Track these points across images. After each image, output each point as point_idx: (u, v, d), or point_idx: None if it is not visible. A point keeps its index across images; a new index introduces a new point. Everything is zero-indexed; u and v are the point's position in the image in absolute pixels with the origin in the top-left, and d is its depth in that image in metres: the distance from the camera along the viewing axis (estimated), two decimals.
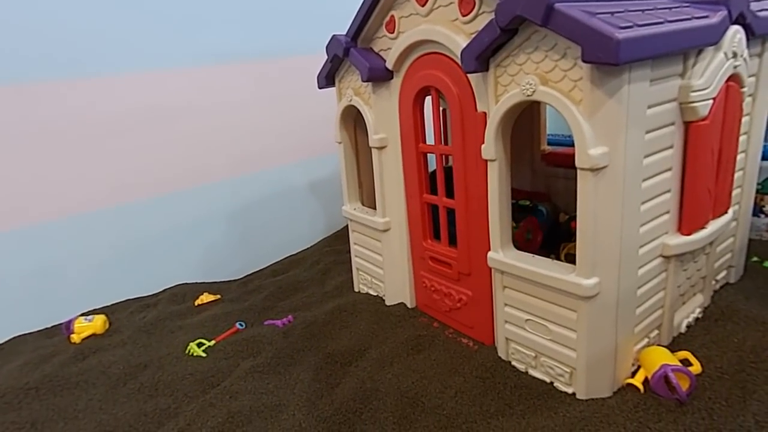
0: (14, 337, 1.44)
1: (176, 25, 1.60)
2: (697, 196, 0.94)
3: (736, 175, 1.09)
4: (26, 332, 1.46)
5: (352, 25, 1.22)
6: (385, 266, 1.33)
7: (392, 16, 1.15)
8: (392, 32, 1.16)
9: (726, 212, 1.04)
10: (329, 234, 2.05)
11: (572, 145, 0.81)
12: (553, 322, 0.94)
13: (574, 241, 0.88)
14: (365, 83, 1.23)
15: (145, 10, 1.54)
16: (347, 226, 1.48)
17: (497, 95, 0.92)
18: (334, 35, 1.27)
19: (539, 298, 0.95)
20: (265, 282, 1.65)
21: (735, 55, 0.92)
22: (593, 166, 0.79)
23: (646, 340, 0.97)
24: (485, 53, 0.90)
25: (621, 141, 0.79)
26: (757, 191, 1.30)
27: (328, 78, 1.37)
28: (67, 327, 1.37)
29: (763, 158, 1.27)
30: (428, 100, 1.14)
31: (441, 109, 1.28)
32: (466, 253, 1.11)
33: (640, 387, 0.89)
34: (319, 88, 1.41)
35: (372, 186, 1.32)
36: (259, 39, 1.78)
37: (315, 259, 1.78)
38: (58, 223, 1.48)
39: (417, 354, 1.11)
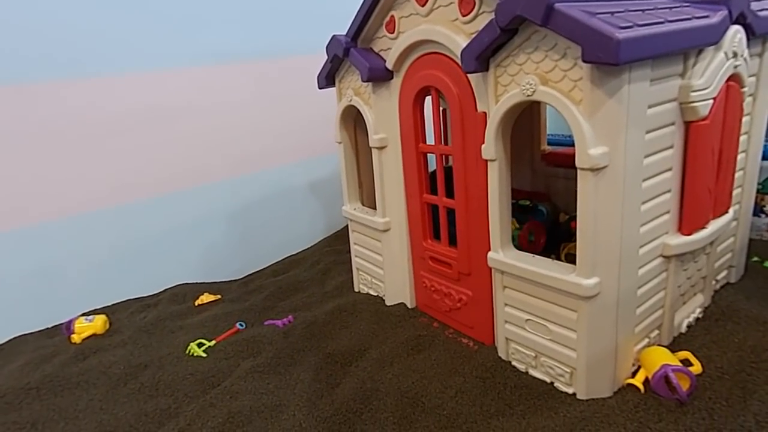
0: (15, 338, 1.44)
1: (176, 25, 1.60)
2: (698, 195, 0.94)
3: (737, 174, 1.09)
4: (27, 332, 1.46)
5: (352, 25, 1.22)
6: (385, 266, 1.33)
7: (392, 16, 1.15)
8: (392, 32, 1.16)
9: (726, 212, 1.04)
10: (329, 234, 2.05)
11: (572, 145, 0.81)
12: (554, 322, 0.94)
13: (575, 241, 0.88)
14: (365, 83, 1.23)
15: (145, 10, 1.54)
16: (347, 226, 1.48)
17: (497, 95, 0.92)
18: (334, 35, 1.27)
19: (539, 298, 0.95)
20: (266, 282, 1.65)
21: (735, 54, 0.92)
22: (593, 166, 0.79)
23: (647, 340, 0.97)
24: (485, 53, 0.90)
25: (621, 141, 0.79)
26: (758, 191, 1.30)
27: (328, 78, 1.37)
28: (68, 327, 1.37)
29: (764, 158, 1.27)
30: (428, 100, 1.14)
31: (441, 109, 1.27)
32: (466, 253, 1.11)
33: (641, 387, 0.89)
34: (319, 88, 1.41)
35: (372, 186, 1.32)
36: (259, 39, 1.78)
37: (315, 259, 1.78)
38: (58, 223, 1.48)
39: (417, 354, 1.11)
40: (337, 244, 1.89)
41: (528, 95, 0.85)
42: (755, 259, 1.31)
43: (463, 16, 0.97)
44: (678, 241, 0.94)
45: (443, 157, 1.14)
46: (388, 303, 1.34)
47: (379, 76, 1.18)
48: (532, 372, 1.00)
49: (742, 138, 1.08)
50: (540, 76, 0.83)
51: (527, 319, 0.98)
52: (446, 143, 1.17)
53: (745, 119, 1.07)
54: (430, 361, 1.08)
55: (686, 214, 0.94)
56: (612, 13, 0.77)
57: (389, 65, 1.17)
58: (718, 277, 1.17)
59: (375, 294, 1.40)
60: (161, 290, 1.65)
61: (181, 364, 1.17)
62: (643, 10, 0.82)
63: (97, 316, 1.40)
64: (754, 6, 0.96)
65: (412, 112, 1.15)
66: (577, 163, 0.81)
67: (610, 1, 0.83)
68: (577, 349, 0.91)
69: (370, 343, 1.17)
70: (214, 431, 0.95)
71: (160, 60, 1.59)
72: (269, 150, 1.87)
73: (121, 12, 1.50)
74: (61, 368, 1.20)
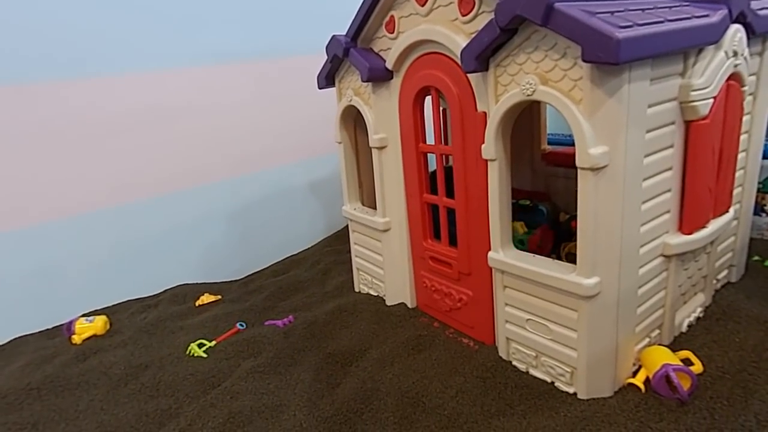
0: (15, 338, 1.44)
1: (176, 25, 1.60)
2: (698, 195, 0.93)
3: (737, 173, 1.08)
4: (27, 333, 1.46)
5: (352, 25, 1.22)
6: (386, 266, 1.33)
7: (392, 16, 1.15)
8: (392, 32, 1.16)
9: (727, 211, 1.04)
10: (329, 234, 2.05)
11: (572, 144, 0.81)
12: (554, 321, 0.94)
13: (575, 240, 0.88)
14: (365, 83, 1.23)
15: (145, 10, 1.54)
16: (347, 226, 1.48)
17: (497, 95, 0.92)
18: (334, 35, 1.27)
19: (540, 297, 0.95)
20: (266, 282, 1.65)
21: (735, 53, 0.92)
22: (593, 166, 0.79)
23: (647, 339, 0.97)
24: (485, 53, 0.90)
25: (621, 140, 0.78)
26: (758, 190, 1.30)
27: (328, 78, 1.37)
28: (68, 328, 1.37)
29: (764, 157, 1.27)
30: (428, 100, 1.14)
31: (441, 109, 1.27)
32: (467, 252, 1.11)
33: (642, 387, 0.89)
34: (319, 88, 1.41)
35: (372, 186, 1.32)
36: (259, 39, 1.78)
37: (315, 259, 1.78)
38: (58, 223, 1.48)
39: (417, 354, 1.11)
40: (338, 244, 1.89)
41: (528, 95, 0.85)
42: (756, 258, 1.31)
43: (463, 15, 0.97)
44: (678, 240, 0.94)
45: (443, 156, 1.14)
46: (388, 303, 1.34)
47: (379, 76, 1.18)
48: (533, 372, 1.00)
49: (743, 137, 1.08)
50: (540, 75, 0.83)
51: (528, 319, 0.98)
52: (446, 143, 1.17)
53: (745, 118, 1.07)
54: (430, 360, 1.08)
55: (687, 213, 0.94)
56: (612, 12, 0.77)
57: (389, 65, 1.17)
58: (719, 277, 1.17)
59: (375, 294, 1.40)
60: (161, 291, 1.65)
61: (182, 365, 1.17)
62: (642, 10, 0.82)
63: (97, 317, 1.40)
64: (753, 5, 0.96)
65: (412, 112, 1.15)
66: (578, 163, 0.81)
67: (609, 0, 0.83)
68: (577, 349, 0.91)
69: (370, 343, 1.17)
70: (215, 431, 0.95)
71: (160, 60, 1.59)
72: (269, 150, 1.87)
73: (121, 12, 1.50)
74: (61, 369, 1.20)
